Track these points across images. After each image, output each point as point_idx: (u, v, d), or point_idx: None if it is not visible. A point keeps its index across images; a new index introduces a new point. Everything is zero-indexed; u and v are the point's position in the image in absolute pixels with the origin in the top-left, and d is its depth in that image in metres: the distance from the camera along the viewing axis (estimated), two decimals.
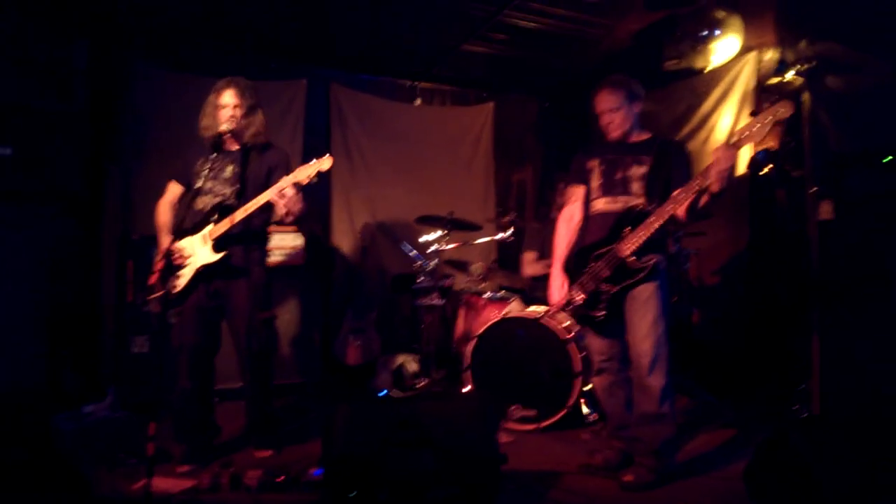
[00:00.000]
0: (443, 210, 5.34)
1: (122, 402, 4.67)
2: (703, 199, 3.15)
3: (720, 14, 4.94)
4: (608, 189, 3.50)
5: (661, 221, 3.22)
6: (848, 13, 4.42)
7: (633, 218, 3.32)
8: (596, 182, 3.56)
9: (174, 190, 3.87)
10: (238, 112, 3.69)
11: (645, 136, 3.53)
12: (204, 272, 3.61)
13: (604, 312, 3.39)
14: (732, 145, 3.01)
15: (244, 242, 3.68)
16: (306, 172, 3.48)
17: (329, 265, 6.08)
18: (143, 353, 4.86)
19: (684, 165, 3.40)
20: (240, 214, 3.54)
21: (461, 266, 5.48)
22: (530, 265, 5.72)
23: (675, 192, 3.18)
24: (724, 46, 4.98)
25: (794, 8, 4.85)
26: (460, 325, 5.23)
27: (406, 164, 6.57)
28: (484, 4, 5.08)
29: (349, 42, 5.82)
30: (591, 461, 3.57)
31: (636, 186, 3.40)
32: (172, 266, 3.62)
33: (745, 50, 5.12)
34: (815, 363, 4.08)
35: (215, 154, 3.59)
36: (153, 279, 3.61)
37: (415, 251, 5.31)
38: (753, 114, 3.01)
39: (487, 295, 5.05)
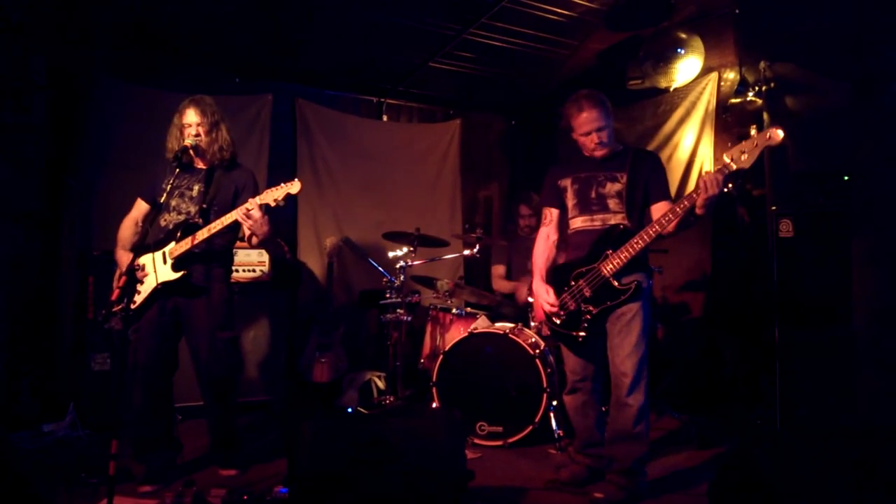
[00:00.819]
0: (410, 226, 5.35)
1: (83, 421, 4.57)
2: (690, 220, 3.18)
3: (682, 35, 5.05)
4: (584, 208, 3.49)
5: (644, 244, 3.21)
6: (806, 35, 4.54)
7: (614, 238, 3.32)
8: (571, 201, 3.55)
9: (140, 207, 3.83)
10: (202, 130, 3.66)
11: (618, 148, 3.52)
12: (162, 289, 3.57)
13: (584, 333, 3.39)
14: (720, 171, 2.99)
15: (205, 261, 3.65)
16: (274, 196, 3.46)
17: (295, 281, 6.03)
18: (104, 370, 4.77)
19: (659, 177, 3.42)
20: (202, 234, 3.51)
21: (428, 282, 5.49)
22: (499, 280, 5.75)
23: (661, 216, 3.15)
24: (685, 67, 5.08)
25: (753, 30, 4.97)
26: (427, 342, 5.22)
27: (373, 180, 6.57)
28: (450, 23, 5.12)
29: (315, 58, 5.82)
30: (558, 476, 3.58)
31: (613, 203, 3.41)
32: (135, 282, 3.60)
33: (707, 70, 5.23)
34: (776, 378, 4.14)
35: (180, 172, 3.54)
36: (115, 296, 3.55)
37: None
38: (741, 137, 2.97)
39: (455, 311, 5.05)
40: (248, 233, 3.56)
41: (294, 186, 3.50)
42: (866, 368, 3.60)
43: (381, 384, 5.48)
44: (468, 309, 5.14)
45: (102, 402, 4.69)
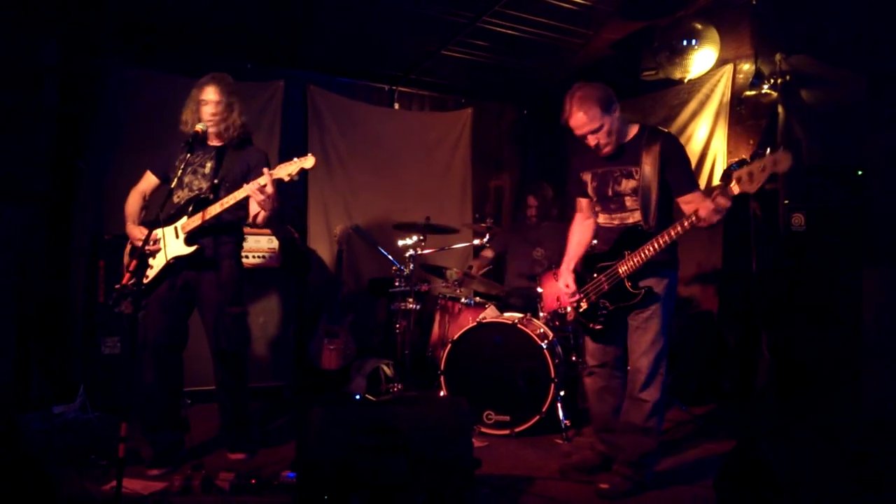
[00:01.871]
0: (420, 215, 5.34)
1: (93, 403, 4.61)
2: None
3: (698, 26, 5.01)
4: (604, 205, 3.47)
5: (653, 251, 3.16)
6: (822, 28, 4.50)
7: (632, 240, 3.27)
8: (593, 197, 3.53)
9: (149, 179, 3.85)
10: (219, 108, 3.68)
11: (633, 131, 3.38)
12: (175, 264, 3.59)
13: (601, 327, 3.41)
14: (726, 194, 2.94)
15: (215, 235, 3.67)
16: (287, 170, 3.50)
17: (305, 268, 6.04)
18: (115, 353, 4.80)
19: (677, 166, 3.26)
20: (215, 208, 3.53)
21: (437, 271, 5.49)
22: (483, 258, 5.73)
23: (670, 228, 3.11)
24: (700, 58, 5.04)
25: (769, 22, 4.93)
26: (436, 330, 5.23)
27: (383, 168, 6.56)
28: (463, 10, 5.10)
29: (327, 45, 5.81)
30: (568, 461, 3.62)
31: (630, 201, 3.35)
32: (146, 256, 3.60)
33: (722, 62, 5.19)
34: (784, 372, 4.13)
35: (191, 148, 3.55)
36: (125, 280, 3.56)
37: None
38: (754, 156, 2.91)
39: (463, 300, 5.06)
40: (254, 210, 3.56)
41: (308, 161, 3.53)
42: (873, 363, 3.58)
43: (389, 372, 5.49)
44: (477, 298, 5.14)
45: (112, 384, 4.73)
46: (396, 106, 6.87)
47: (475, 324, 4.50)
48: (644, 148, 3.28)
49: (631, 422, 3.33)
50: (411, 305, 5.14)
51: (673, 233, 3.11)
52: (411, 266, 5.16)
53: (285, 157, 5.93)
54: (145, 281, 3.56)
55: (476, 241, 5.40)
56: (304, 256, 6.05)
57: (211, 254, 3.65)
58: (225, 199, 3.53)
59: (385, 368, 5.54)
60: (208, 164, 3.72)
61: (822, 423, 3.91)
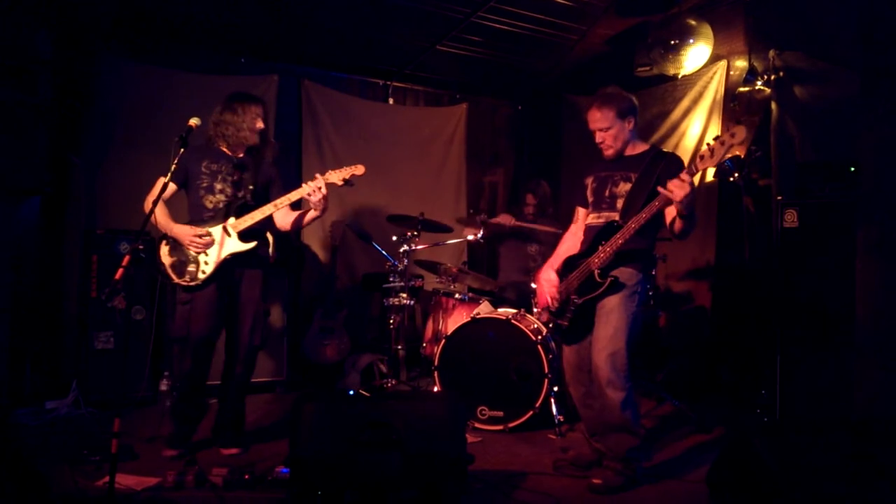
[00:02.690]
0: (414, 210, 5.34)
1: (85, 399, 4.60)
2: (678, 224, 3.16)
3: (692, 22, 5.00)
4: (597, 205, 3.53)
5: (623, 238, 3.23)
6: (816, 25, 4.51)
7: (608, 233, 3.33)
8: (590, 199, 3.59)
9: (171, 189, 3.87)
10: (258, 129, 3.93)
11: (641, 148, 3.51)
12: (231, 260, 3.79)
13: (567, 323, 3.45)
14: (690, 170, 3.02)
15: (258, 237, 3.88)
16: (340, 175, 3.80)
17: (299, 264, 6.04)
18: (108, 348, 4.79)
19: (672, 178, 3.31)
20: (268, 209, 3.79)
21: (431, 266, 5.48)
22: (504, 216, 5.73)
23: (638, 214, 3.19)
24: (694, 54, 5.04)
25: (763, 18, 4.93)
26: (430, 326, 5.24)
27: (378, 163, 6.53)
28: (458, 6, 5.09)
29: (321, 40, 5.79)
30: (563, 457, 3.65)
31: (621, 202, 3.41)
32: (187, 254, 3.76)
33: (716, 58, 5.20)
34: (777, 368, 4.14)
35: (185, 143, 3.54)
36: (119, 274, 3.55)
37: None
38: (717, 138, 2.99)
39: (457, 296, 5.06)
40: (313, 209, 3.83)
41: (359, 169, 3.83)
42: (866, 360, 3.59)
43: (383, 367, 5.50)
44: (471, 294, 5.14)
45: (105, 380, 4.72)
46: (391, 101, 6.86)
47: (469, 319, 4.51)
48: (649, 162, 3.39)
49: (605, 421, 3.37)
50: (405, 301, 5.13)
51: (642, 217, 3.18)
52: (405, 261, 5.16)
53: (279, 152, 5.96)
54: (202, 276, 3.74)
55: (470, 237, 5.40)
56: (298, 252, 6.05)
57: (264, 252, 3.92)
58: (278, 201, 3.80)
59: (379, 364, 5.55)
60: (237, 172, 3.90)
61: (815, 418, 3.93)
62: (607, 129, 3.42)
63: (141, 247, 3.57)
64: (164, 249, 3.85)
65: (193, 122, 3.60)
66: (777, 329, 4.15)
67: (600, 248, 3.32)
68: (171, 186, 3.86)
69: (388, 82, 6.78)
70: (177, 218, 3.83)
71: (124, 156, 5.26)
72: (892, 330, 3.40)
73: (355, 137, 6.45)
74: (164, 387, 4.91)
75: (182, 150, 3.45)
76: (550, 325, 3.64)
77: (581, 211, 3.72)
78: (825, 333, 3.94)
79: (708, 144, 2.98)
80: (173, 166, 3.36)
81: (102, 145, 5.25)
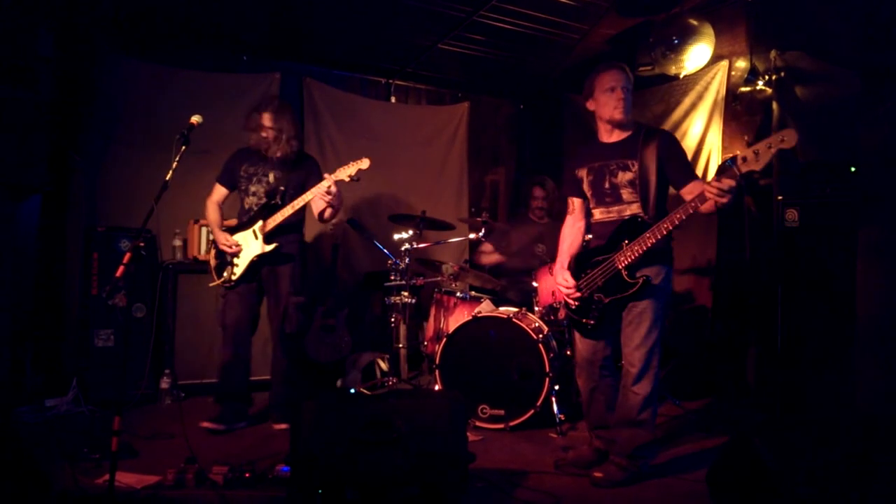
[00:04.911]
0: (416, 209, 5.33)
1: (85, 396, 4.60)
2: (708, 210, 3.08)
3: (693, 22, 5.00)
4: (599, 199, 3.48)
5: (655, 239, 3.16)
6: (817, 25, 4.50)
7: (632, 229, 3.27)
8: (588, 192, 3.55)
9: (220, 191, 4.40)
10: (272, 133, 4.22)
11: (628, 133, 3.45)
12: (258, 261, 4.20)
13: (593, 321, 3.40)
14: (731, 174, 2.91)
15: (285, 234, 4.25)
16: (347, 172, 4.05)
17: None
18: (108, 346, 4.80)
19: (677, 157, 3.33)
20: (287, 211, 4.12)
21: (433, 265, 5.48)
22: (486, 255, 5.77)
23: (673, 214, 3.10)
24: (696, 54, 5.04)
25: (765, 18, 4.93)
26: (431, 324, 5.23)
27: (379, 162, 6.45)
28: (461, 4, 5.08)
29: (324, 38, 5.79)
30: (564, 457, 3.63)
31: (626, 193, 3.38)
32: (226, 257, 4.24)
33: (717, 58, 5.20)
34: (778, 367, 4.14)
35: (187, 140, 3.56)
36: (120, 272, 3.56)
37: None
38: (755, 128, 2.88)
39: (459, 294, 5.06)
40: (318, 208, 4.17)
41: (364, 162, 4.08)
42: (867, 359, 3.59)
43: (384, 366, 5.50)
44: (472, 292, 5.14)
45: (105, 377, 4.72)
46: (393, 99, 6.86)
47: (470, 318, 4.50)
48: (642, 144, 3.34)
49: (624, 415, 3.35)
50: (406, 299, 5.13)
51: (676, 218, 3.09)
52: (407, 260, 5.16)
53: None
54: (234, 278, 4.20)
55: (472, 235, 5.40)
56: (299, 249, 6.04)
57: (288, 249, 4.27)
58: (294, 202, 4.11)
59: (380, 362, 5.55)
60: (271, 175, 4.26)
61: (816, 417, 3.93)
62: (627, 88, 3.39)
63: (142, 244, 3.58)
64: (213, 252, 4.34)
65: (195, 119, 3.61)
66: (778, 328, 4.15)
67: (625, 246, 3.25)
68: (222, 190, 4.40)
69: (391, 81, 6.78)
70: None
71: (125, 154, 5.26)
72: (893, 330, 3.41)
73: (357, 136, 6.45)
74: (164, 384, 4.90)
75: (183, 147, 3.45)
76: (573, 323, 3.54)
77: (577, 201, 3.66)
78: (826, 333, 3.93)
79: (753, 147, 2.88)
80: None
81: (104, 143, 5.25)
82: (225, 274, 4.23)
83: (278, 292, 4.28)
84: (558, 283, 3.56)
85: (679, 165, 3.33)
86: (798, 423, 3.89)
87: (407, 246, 5.15)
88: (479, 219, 5.38)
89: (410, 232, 5.19)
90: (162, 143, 3.84)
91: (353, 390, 5.19)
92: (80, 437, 3.89)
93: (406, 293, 5.13)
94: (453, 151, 7.00)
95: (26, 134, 4.36)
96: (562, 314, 3.63)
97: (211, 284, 4.27)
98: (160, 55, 5.52)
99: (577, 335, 3.60)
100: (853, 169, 3.95)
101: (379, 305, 6.19)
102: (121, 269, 3.56)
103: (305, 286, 4.43)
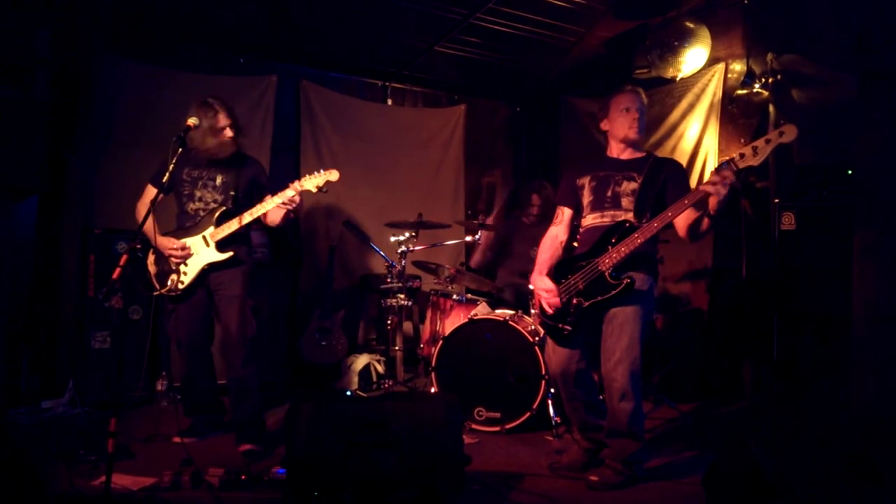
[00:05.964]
0: (412, 211, 5.34)
1: (82, 398, 4.59)
2: (705, 222, 3.14)
3: (690, 25, 5.02)
4: (598, 205, 3.48)
5: (644, 238, 3.16)
6: (814, 28, 4.52)
7: (620, 232, 3.26)
8: (587, 199, 3.54)
9: (151, 192, 3.98)
10: (231, 132, 3.94)
11: (640, 154, 3.53)
12: (208, 269, 3.90)
13: (570, 327, 3.36)
14: (730, 168, 2.94)
15: (238, 241, 3.96)
16: (314, 182, 3.79)
17: (296, 264, 6.04)
18: (104, 348, 4.79)
19: (680, 182, 3.37)
20: (247, 217, 3.82)
21: (429, 268, 5.49)
22: (478, 252, 5.76)
23: (663, 212, 3.12)
24: (692, 57, 5.05)
25: (761, 21, 4.94)
26: (427, 327, 5.23)
27: (376, 164, 6.55)
28: (457, 7, 5.09)
29: (320, 40, 5.79)
30: (558, 460, 3.63)
31: (626, 201, 3.38)
32: (169, 263, 3.89)
33: (714, 61, 5.21)
34: (774, 370, 4.15)
35: (184, 143, 3.53)
36: (116, 274, 3.56)
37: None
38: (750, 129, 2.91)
39: (455, 297, 5.06)
40: (279, 216, 3.87)
41: (333, 175, 3.81)
42: (863, 362, 3.60)
43: (380, 368, 5.50)
44: (468, 295, 5.14)
45: (102, 379, 4.72)
46: (389, 102, 6.85)
47: (466, 320, 4.50)
48: (651, 164, 3.40)
49: (614, 428, 3.34)
50: (403, 302, 5.13)
51: (670, 214, 3.11)
52: (403, 262, 5.16)
53: (278, 153, 5.95)
54: (182, 286, 3.88)
55: (468, 238, 5.40)
56: (296, 252, 6.04)
57: (238, 256, 3.96)
58: (253, 210, 3.82)
59: (376, 365, 5.54)
60: (218, 178, 3.97)
61: (812, 421, 3.94)
62: (643, 111, 3.48)
63: (138, 246, 3.61)
64: (151, 259, 4.01)
65: (192, 121, 3.62)
66: (774, 331, 4.16)
67: (611, 248, 3.24)
68: (154, 192, 3.88)
69: (387, 83, 6.78)
70: (166, 224, 3.90)
71: (122, 155, 5.25)
72: (890, 331, 3.41)
73: (353, 138, 6.45)
74: (160, 386, 4.89)
75: (180, 149, 3.45)
76: (549, 329, 3.51)
77: (567, 212, 3.65)
78: (823, 335, 3.94)
79: (752, 143, 2.92)
80: (167, 173, 3.38)
81: (100, 144, 5.23)
82: (169, 283, 3.88)
83: (231, 295, 3.94)
84: (537, 288, 3.52)
85: (678, 184, 3.36)
86: (794, 426, 3.91)
87: (403, 248, 5.16)
88: (475, 221, 5.39)
89: (407, 234, 5.19)
90: (159, 145, 3.84)
91: (349, 392, 5.20)
92: (77, 438, 3.88)
93: (402, 296, 5.13)
94: (450, 154, 7.00)
95: (23, 134, 4.35)
96: (537, 321, 3.61)
97: (154, 293, 3.93)
98: (157, 57, 5.51)
99: (549, 346, 3.55)
100: (850, 172, 3.97)
101: (375, 308, 6.19)
102: (117, 271, 3.56)
103: (251, 289, 4.11)
